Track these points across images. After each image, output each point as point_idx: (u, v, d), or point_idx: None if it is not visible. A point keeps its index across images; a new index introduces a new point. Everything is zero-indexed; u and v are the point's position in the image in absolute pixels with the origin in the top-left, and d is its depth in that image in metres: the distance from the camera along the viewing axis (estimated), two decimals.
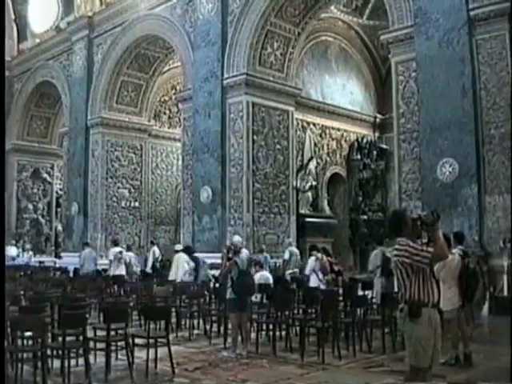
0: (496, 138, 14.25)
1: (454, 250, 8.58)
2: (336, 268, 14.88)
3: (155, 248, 21.94)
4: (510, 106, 14.22)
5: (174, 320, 11.53)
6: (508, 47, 14.37)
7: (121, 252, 18.42)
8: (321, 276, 13.56)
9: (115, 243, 19.49)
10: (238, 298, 9.71)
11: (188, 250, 16.62)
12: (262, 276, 12.50)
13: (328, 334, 9.79)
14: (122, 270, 17.91)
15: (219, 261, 15.26)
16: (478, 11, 14.69)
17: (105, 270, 18.81)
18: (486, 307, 13.44)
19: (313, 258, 13.96)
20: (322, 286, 13.07)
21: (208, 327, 11.38)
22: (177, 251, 16.70)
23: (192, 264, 15.87)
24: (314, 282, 13.50)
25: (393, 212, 6.25)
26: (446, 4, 14.99)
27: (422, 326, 5.13)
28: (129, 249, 20.07)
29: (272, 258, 18.52)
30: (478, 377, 7.67)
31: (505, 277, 9.19)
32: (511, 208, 13.32)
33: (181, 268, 15.84)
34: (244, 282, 9.76)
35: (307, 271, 14.16)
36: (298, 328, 10.45)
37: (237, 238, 10.86)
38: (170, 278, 15.93)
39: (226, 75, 19.98)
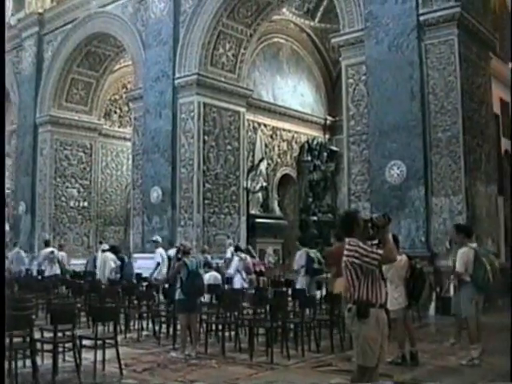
0: (443, 142, 14.54)
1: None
2: (258, 268, 15.82)
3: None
4: (457, 109, 14.55)
5: (122, 321, 11.45)
6: (456, 52, 14.66)
7: (52, 252, 18.26)
8: (244, 275, 14.20)
9: (46, 244, 19.35)
10: (187, 299, 9.68)
11: (114, 250, 16.99)
12: (212, 276, 12.50)
13: (277, 334, 9.84)
14: (56, 270, 17.79)
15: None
16: (428, 16, 14.96)
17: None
18: (432, 307, 13.71)
19: (237, 259, 14.51)
20: (246, 285, 13.66)
21: (157, 328, 11.32)
22: (103, 251, 17.00)
23: (118, 263, 16.24)
24: (238, 281, 14.07)
25: (345, 212, 6.31)
26: (396, 9, 15.21)
27: (369, 326, 5.20)
28: (61, 248, 19.74)
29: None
30: (424, 376, 7.80)
31: (452, 277, 9.36)
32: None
33: (107, 267, 16.19)
34: (193, 282, 9.73)
35: (232, 271, 14.62)
36: (247, 328, 10.47)
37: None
38: (98, 277, 16.21)
39: (177, 75, 19.92)
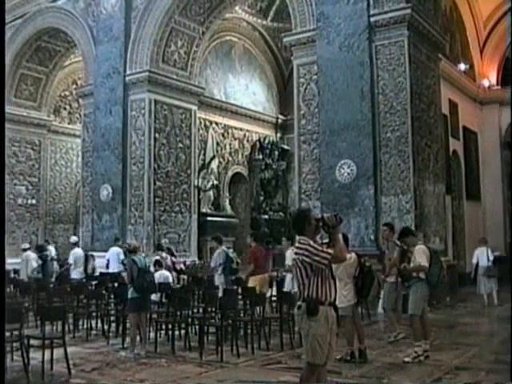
0: (392, 141, 14.73)
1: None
2: (178, 267, 16.18)
3: (51, 247, 21.37)
4: (406, 110, 14.75)
5: (71, 320, 11.32)
6: (406, 53, 14.87)
7: None
8: None
9: None
10: (139, 297, 9.59)
11: (38, 248, 17.06)
12: (162, 275, 12.42)
13: (227, 333, 9.84)
14: None
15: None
16: (378, 17, 15.13)
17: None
18: (380, 304, 13.86)
19: (157, 257, 14.66)
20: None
21: (106, 327, 11.21)
22: (24, 249, 17.09)
23: (40, 262, 16.21)
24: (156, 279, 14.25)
25: (298, 210, 6.34)
26: (348, 9, 15.34)
27: (318, 324, 5.23)
28: None
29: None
30: (372, 373, 7.89)
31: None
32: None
33: (29, 266, 16.22)
34: (144, 279, 9.66)
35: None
36: (197, 327, 10.45)
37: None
38: (21, 276, 16.31)
39: (128, 71, 19.75)
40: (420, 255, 8.74)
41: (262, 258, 12.83)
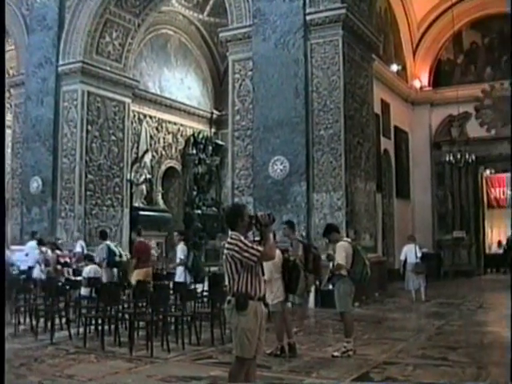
0: (325, 139, 14.91)
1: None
2: (63, 260, 16.27)
3: None
4: (340, 108, 14.94)
5: None
6: (340, 53, 15.06)
7: None
8: (43, 267, 14.92)
9: None
10: None
11: None
12: (92, 269, 12.26)
13: (157, 328, 9.79)
14: None
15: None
16: (314, 16, 15.27)
17: None
18: (311, 300, 14.05)
19: (37, 252, 15.09)
20: (43, 276, 14.09)
21: (34, 323, 11.01)
22: None
23: None
24: (36, 272, 14.62)
25: (233, 205, 6.39)
26: (284, 7, 15.43)
27: (248, 318, 5.26)
28: None
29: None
30: (302, 367, 7.96)
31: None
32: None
33: None
34: None
35: (31, 263, 15.26)
36: (127, 322, 10.36)
37: None
38: None
39: (61, 62, 19.40)
40: (339, 253, 8.83)
41: (145, 252, 13.74)
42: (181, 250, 13.18)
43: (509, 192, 27.55)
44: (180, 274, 12.91)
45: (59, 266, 15.54)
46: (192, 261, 12.91)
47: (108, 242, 14.10)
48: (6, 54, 25.45)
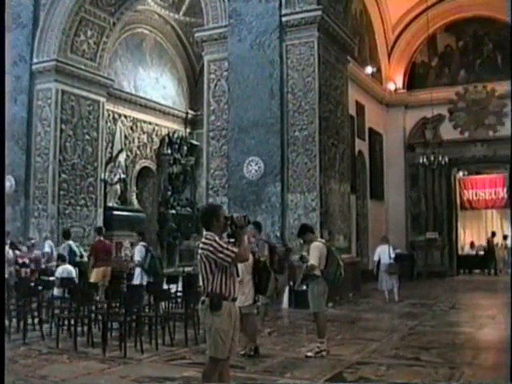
0: (300, 140, 14.96)
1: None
2: (21, 261, 15.85)
3: None
4: (315, 110, 14.99)
5: None
6: (316, 54, 15.12)
7: None
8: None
9: None
10: None
11: None
12: (65, 270, 12.17)
13: (131, 329, 9.74)
14: None
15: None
16: (290, 17, 15.32)
17: None
18: (285, 300, 14.09)
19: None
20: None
21: (7, 323, 10.89)
22: None
23: None
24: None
25: (208, 205, 6.40)
26: (260, 8, 15.46)
27: (221, 319, 5.27)
28: None
29: None
30: (275, 367, 7.99)
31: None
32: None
33: None
34: None
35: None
36: (100, 323, 10.30)
37: None
38: None
39: (35, 60, 19.23)
40: (312, 253, 8.84)
41: (103, 251, 13.96)
42: (138, 251, 13.17)
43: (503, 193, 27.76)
44: (137, 275, 12.90)
45: (17, 267, 15.38)
46: (149, 262, 12.90)
47: (70, 242, 14.41)
48: None
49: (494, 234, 26.42)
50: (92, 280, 12.77)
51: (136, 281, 12.38)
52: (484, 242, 28.82)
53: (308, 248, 9.04)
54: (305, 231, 9.32)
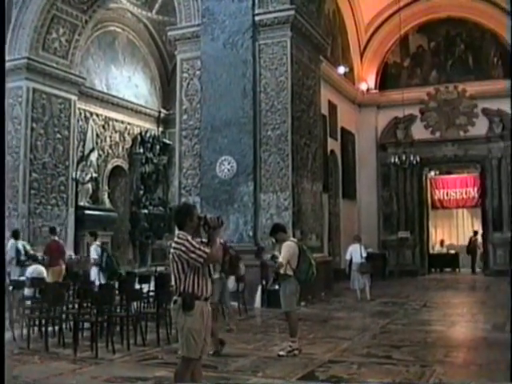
0: (272, 139, 14.99)
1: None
2: None
3: None
4: (287, 109, 15.03)
5: None
6: (289, 54, 15.16)
7: None
8: None
9: None
10: None
11: None
12: (36, 270, 12.06)
13: (102, 329, 9.68)
14: None
15: None
16: (263, 17, 15.34)
17: None
18: (258, 300, 14.12)
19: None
20: None
21: None
22: None
23: None
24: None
25: (183, 204, 6.38)
26: (233, 7, 15.45)
27: (194, 318, 5.25)
28: None
29: None
30: (248, 366, 7.99)
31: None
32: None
33: None
34: None
35: None
36: (71, 323, 10.23)
37: None
38: None
39: (6, 58, 18.98)
40: (283, 252, 8.85)
41: (56, 250, 14.24)
42: (94, 251, 13.18)
43: None
44: (94, 275, 12.89)
45: None
46: (105, 261, 12.92)
47: (14, 241, 14.41)
48: None
49: (476, 232, 26.66)
50: (49, 280, 12.67)
51: (93, 279, 12.43)
52: (455, 241, 29.22)
53: (280, 247, 9.05)
54: (277, 230, 9.33)
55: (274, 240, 9.74)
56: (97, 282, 12.23)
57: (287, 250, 8.83)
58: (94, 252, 13.12)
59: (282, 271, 8.83)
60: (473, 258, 25.97)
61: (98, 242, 13.62)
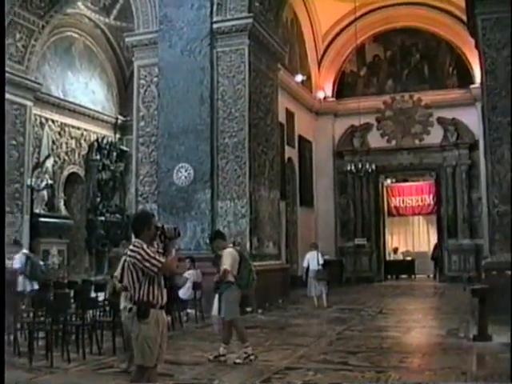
0: (230, 147, 15.01)
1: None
2: None
3: None
4: (244, 117, 15.07)
5: None
6: (246, 61, 15.22)
7: None
8: None
9: None
10: None
11: None
12: None
13: (57, 337, 9.57)
14: None
15: None
16: (221, 25, 15.37)
17: None
18: (215, 307, 14.04)
19: None
20: None
21: None
22: None
23: None
24: None
25: (141, 211, 6.36)
26: (191, 14, 15.45)
27: (149, 326, 5.24)
28: None
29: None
30: (204, 374, 7.97)
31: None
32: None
33: None
34: None
35: None
36: (26, 332, 10.09)
37: None
38: None
39: None
40: (226, 259, 8.83)
41: None
42: (18, 259, 13.17)
43: None
44: (22, 283, 12.86)
45: None
46: (30, 269, 12.92)
47: None
48: None
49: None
50: None
51: (21, 288, 12.35)
52: (411, 248, 29.60)
53: (220, 254, 9.04)
54: (215, 237, 9.33)
55: (212, 247, 9.71)
56: (28, 289, 12.36)
57: (230, 257, 8.82)
58: (18, 261, 13.11)
59: (230, 279, 8.81)
60: (436, 264, 26.25)
61: (24, 251, 13.59)
